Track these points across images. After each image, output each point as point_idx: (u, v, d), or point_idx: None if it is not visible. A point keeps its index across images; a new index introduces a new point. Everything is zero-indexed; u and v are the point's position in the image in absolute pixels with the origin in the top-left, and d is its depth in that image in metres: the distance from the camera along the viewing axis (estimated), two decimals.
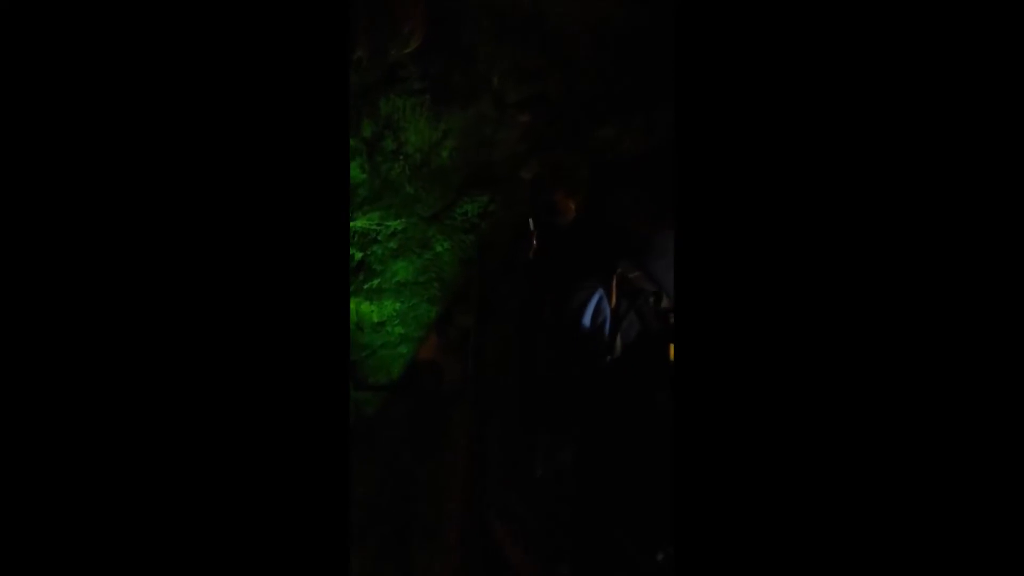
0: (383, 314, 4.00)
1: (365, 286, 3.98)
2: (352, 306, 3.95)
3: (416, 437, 3.97)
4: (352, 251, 4.02)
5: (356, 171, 3.91)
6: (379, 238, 4.00)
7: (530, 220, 3.11)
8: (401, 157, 3.80)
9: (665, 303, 2.39)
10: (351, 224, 3.94)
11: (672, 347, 2.34)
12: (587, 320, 2.38)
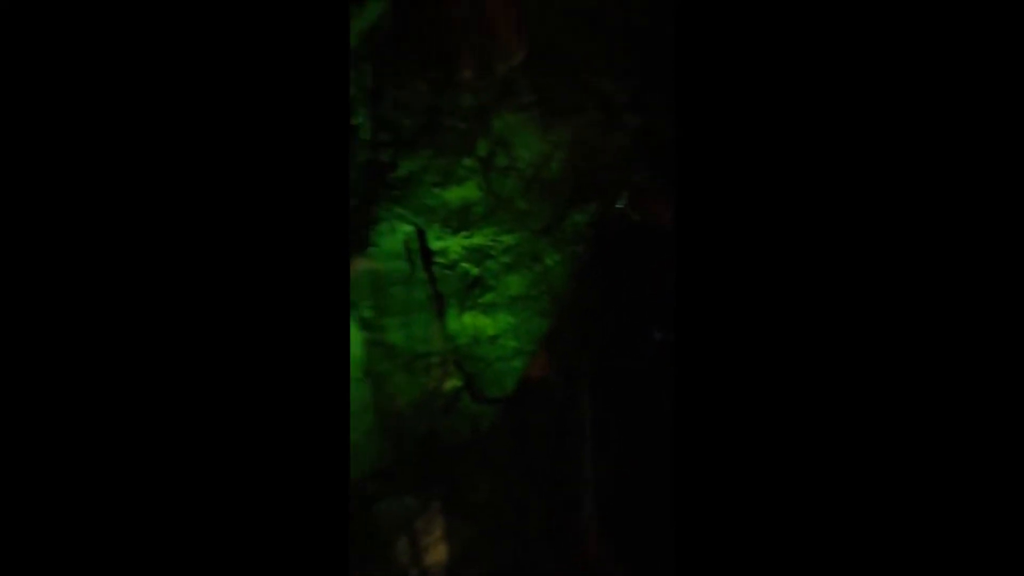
0: (498, 328, 4.05)
1: (480, 300, 4.07)
2: (468, 320, 4.05)
3: (528, 456, 3.87)
4: (468, 267, 4.16)
5: (473, 190, 4.11)
6: (493, 253, 4.11)
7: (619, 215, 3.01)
8: (513, 172, 3.94)
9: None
10: (468, 241, 4.11)
11: None
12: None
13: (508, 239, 4.22)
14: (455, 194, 4.08)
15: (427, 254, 4.29)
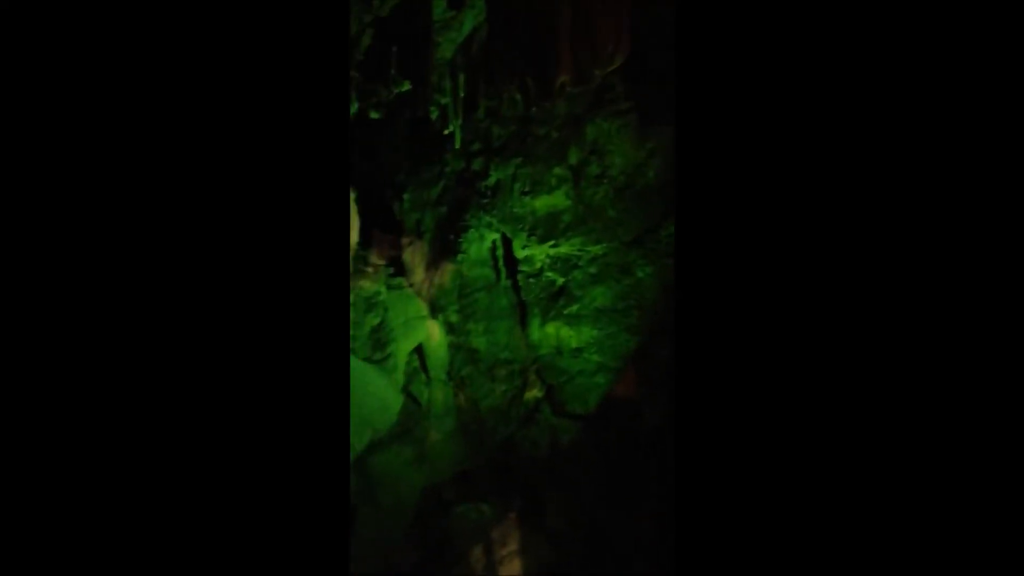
0: (581, 340, 3.93)
1: (565, 311, 3.98)
2: (552, 330, 3.97)
3: (610, 479, 3.69)
4: (554, 276, 4.08)
5: (561, 198, 4.04)
6: (580, 264, 4.00)
7: None
8: (605, 181, 3.82)
9: None
10: (554, 250, 4.04)
11: None
12: None
13: (596, 249, 4.09)
14: (544, 202, 4.03)
15: (512, 262, 4.29)
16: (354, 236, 2.60)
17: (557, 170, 3.89)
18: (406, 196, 4.01)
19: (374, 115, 3.16)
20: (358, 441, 3.52)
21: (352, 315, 3.74)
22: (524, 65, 3.19)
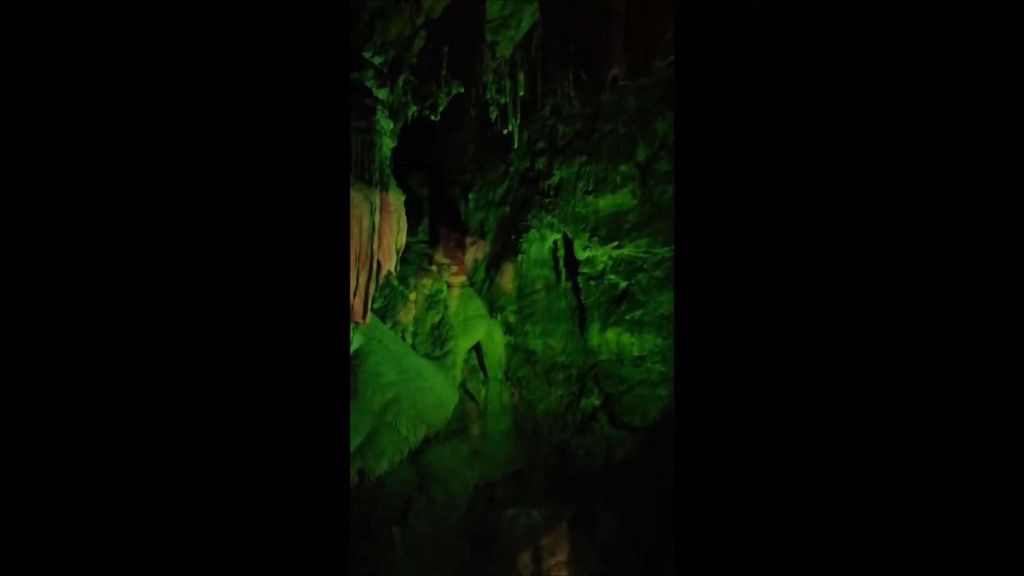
0: (643, 348, 3.71)
1: (627, 316, 3.78)
2: (612, 336, 3.80)
3: (667, 494, 3.43)
4: (617, 279, 3.90)
5: (627, 197, 3.83)
6: (645, 266, 3.78)
7: None
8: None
9: None
10: (618, 252, 3.85)
11: None
12: None
13: (663, 251, 3.81)
14: (608, 201, 3.84)
15: (573, 263, 4.15)
16: (402, 237, 2.66)
17: (623, 167, 3.71)
18: (471, 196, 4.05)
19: (433, 117, 3.22)
20: (412, 436, 3.62)
21: (413, 312, 3.85)
22: (576, 59, 3.07)
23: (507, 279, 3.95)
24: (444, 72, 3.00)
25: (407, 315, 3.83)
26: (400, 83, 2.87)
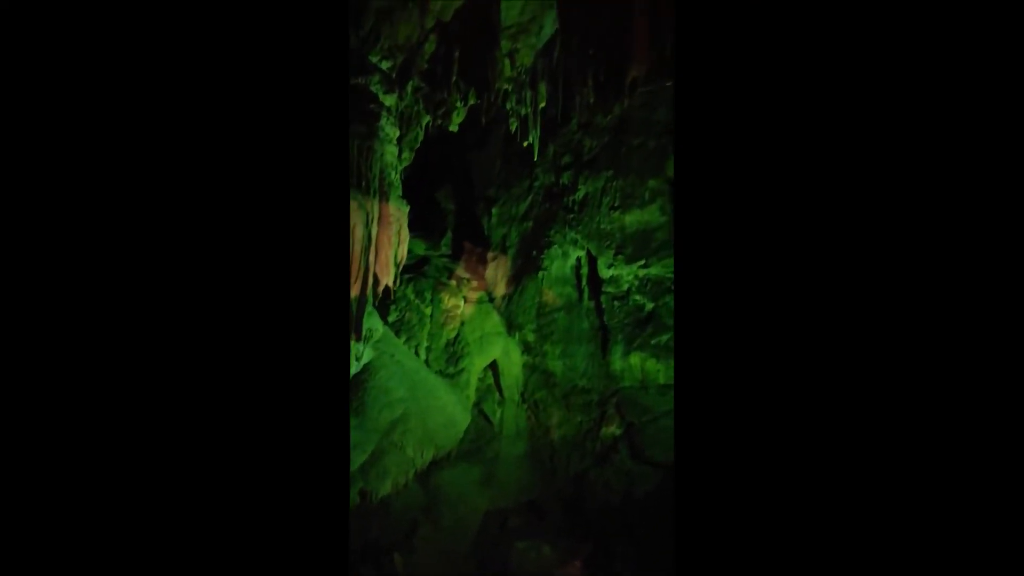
0: (670, 376, 3.42)
1: (653, 341, 3.52)
2: (636, 361, 3.54)
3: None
4: (643, 300, 3.65)
5: (655, 213, 3.58)
6: (673, 288, 3.51)
7: None
8: None
9: None
10: (644, 271, 3.60)
11: None
12: None
13: None
14: (635, 217, 3.60)
15: (596, 282, 3.90)
16: (402, 251, 2.56)
17: (652, 182, 3.48)
18: (495, 211, 3.93)
19: (451, 128, 3.12)
20: (419, 457, 3.48)
21: (428, 327, 3.74)
22: (595, 62, 2.89)
23: (526, 297, 3.76)
24: (455, 79, 2.89)
25: (422, 330, 3.73)
26: (409, 89, 2.78)
